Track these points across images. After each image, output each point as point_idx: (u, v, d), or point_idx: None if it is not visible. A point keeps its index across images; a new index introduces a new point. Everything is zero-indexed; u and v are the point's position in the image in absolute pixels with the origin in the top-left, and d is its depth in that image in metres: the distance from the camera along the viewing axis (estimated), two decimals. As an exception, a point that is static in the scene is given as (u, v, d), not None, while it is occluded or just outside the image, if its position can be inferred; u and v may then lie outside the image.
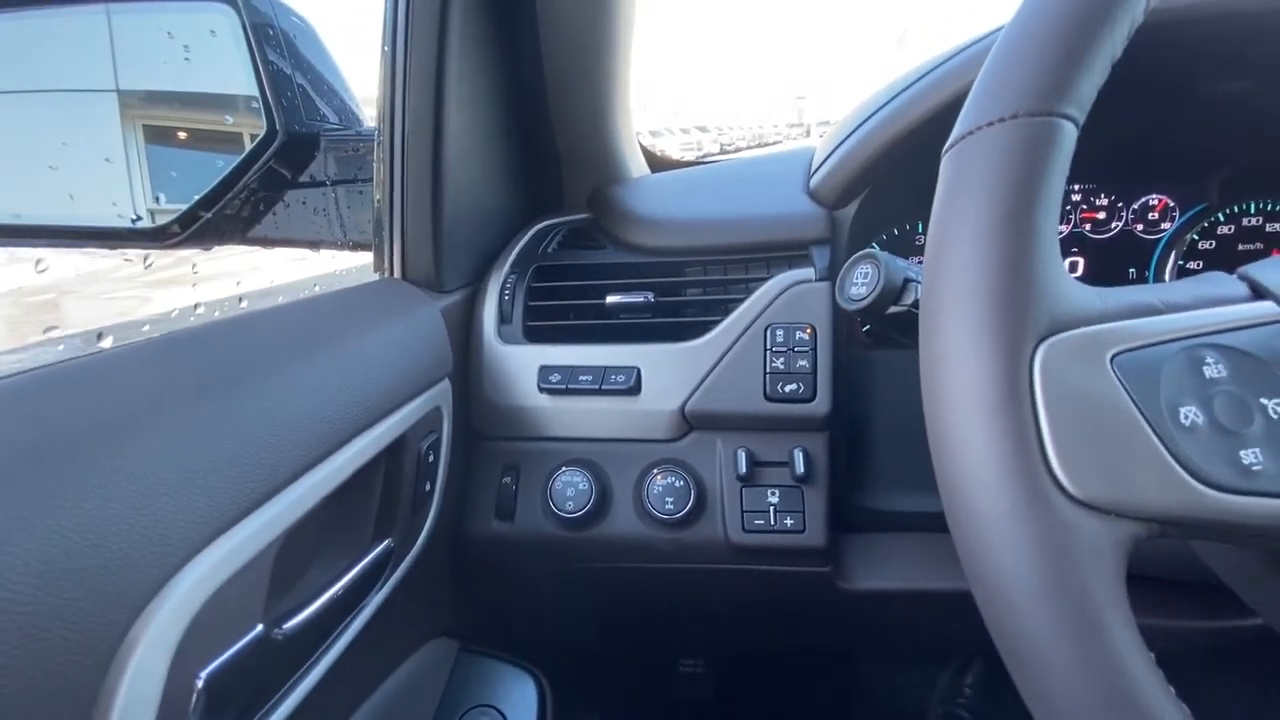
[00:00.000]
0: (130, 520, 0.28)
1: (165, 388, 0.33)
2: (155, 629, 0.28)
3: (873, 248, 0.41)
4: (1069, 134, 0.28)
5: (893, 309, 0.39)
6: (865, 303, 0.40)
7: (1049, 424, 0.25)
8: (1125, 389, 0.26)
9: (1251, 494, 0.25)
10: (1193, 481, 0.25)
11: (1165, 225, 0.69)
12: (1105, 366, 0.26)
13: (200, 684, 0.31)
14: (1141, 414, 0.26)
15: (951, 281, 0.27)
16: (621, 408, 0.62)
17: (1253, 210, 0.68)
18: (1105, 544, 0.25)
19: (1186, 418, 0.26)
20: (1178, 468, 0.25)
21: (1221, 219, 0.68)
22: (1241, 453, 0.25)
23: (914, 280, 0.39)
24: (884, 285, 0.39)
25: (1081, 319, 0.27)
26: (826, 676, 1.06)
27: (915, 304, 0.39)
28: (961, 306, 0.27)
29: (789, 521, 0.58)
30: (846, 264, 0.42)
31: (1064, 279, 0.28)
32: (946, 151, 0.31)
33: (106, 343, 0.37)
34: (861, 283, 0.40)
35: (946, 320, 0.27)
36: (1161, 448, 0.25)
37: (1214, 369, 0.26)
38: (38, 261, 0.57)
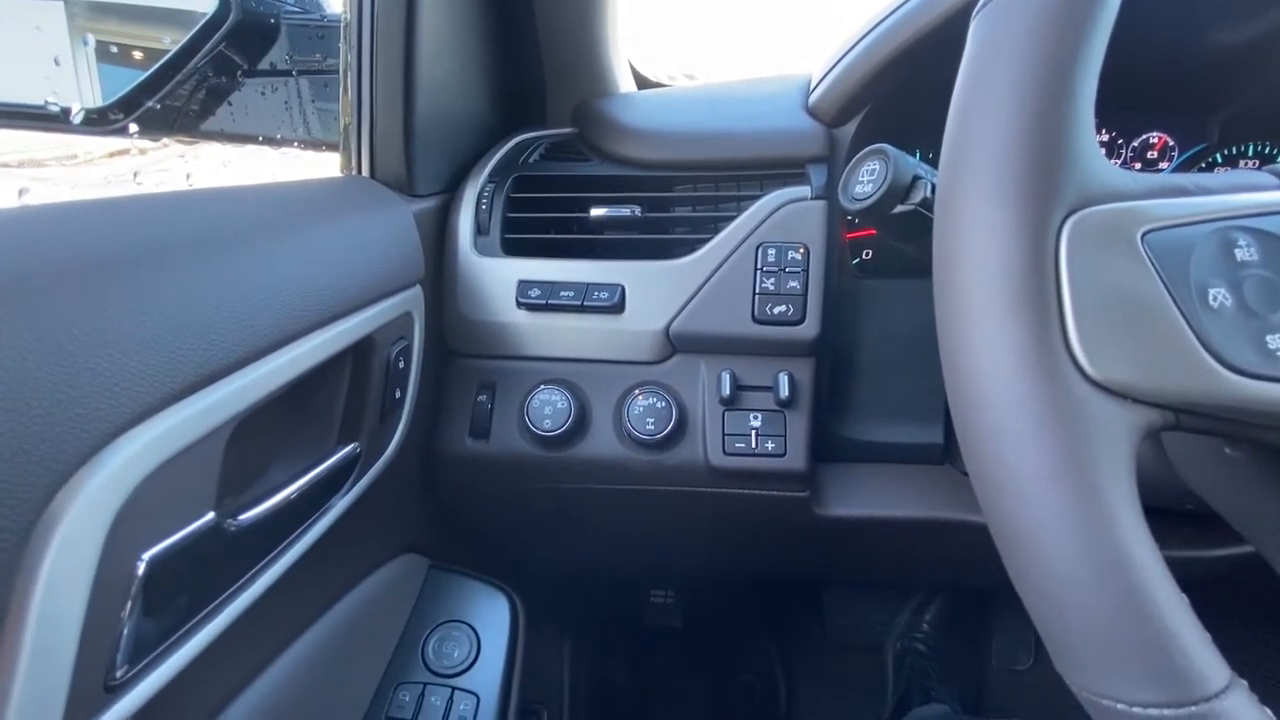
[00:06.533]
0: (59, 380, 0.25)
1: (110, 244, 0.30)
2: (86, 500, 0.25)
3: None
4: None
5: (899, 208, 0.37)
6: (871, 200, 0.37)
7: (1072, 301, 0.24)
8: (1155, 268, 0.24)
9: (1274, 380, 0.24)
10: (1216, 365, 0.24)
11: (1163, 165, 0.68)
12: (1136, 244, 0.25)
13: (142, 567, 0.28)
14: (1169, 294, 0.24)
15: (977, 147, 0.25)
16: (604, 326, 0.59)
17: (1250, 153, 0.67)
18: (1120, 430, 0.24)
19: (1215, 299, 0.24)
20: (1202, 350, 0.24)
21: (1219, 160, 0.67)
22: (1268, 337, 0.24)
23: (923, 178, 0.37)
24: (892, 181, 0.36)
25: (1113, 194, 0.25)
26: (791, 611, 1.08)
27: (923, 203, 0.37)
28: (987, 174, 0.25)
29: (770, 445, 0.57)
30: (853, 161, 0.39)
31: (1097, 152, 0.26)
32: (977, 13, 0.28)
33: (28, 199, 0.33)
34: (868, 179, 0.38)
35: (969, 189, 0.25)
36: (1187, 329, 0.24)
37: (1245, 251, 0.25)
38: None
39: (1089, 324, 0.24)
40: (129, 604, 0.28)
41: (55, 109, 0.51)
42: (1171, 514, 0.53)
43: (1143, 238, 0.25)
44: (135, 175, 0.57)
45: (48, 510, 0.24)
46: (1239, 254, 0.25)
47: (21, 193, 0.34)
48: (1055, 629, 0.24)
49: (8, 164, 0.66)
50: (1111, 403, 0.24)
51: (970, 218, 0.25)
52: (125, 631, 0.28)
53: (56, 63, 0.53)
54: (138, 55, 0.63)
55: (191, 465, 0.30)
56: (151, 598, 0.29)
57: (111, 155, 0.68)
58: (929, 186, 0.37)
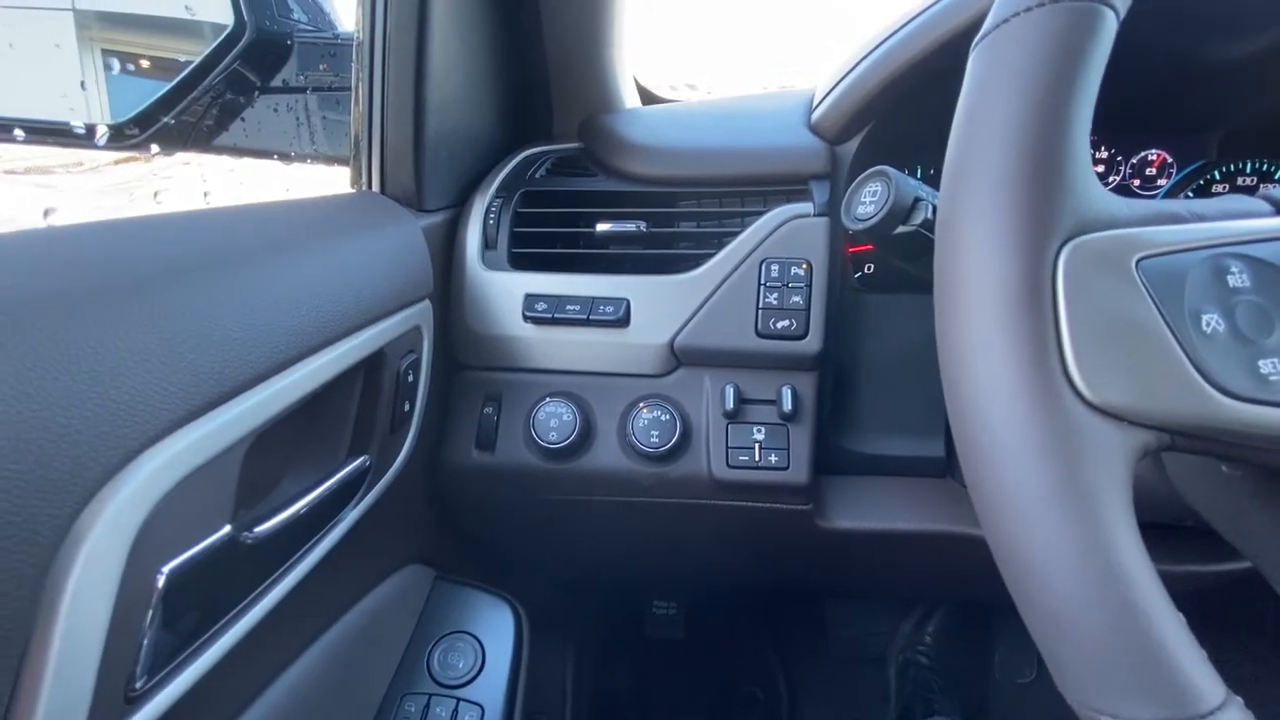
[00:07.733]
0: (85, 398, 0.26)
1: (130, 264, 0.31)
2: (110, 516, 0.26)
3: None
4: (1110, 23, 0.26)
5: (900, 229, 0.38)
6: (873, 221, 0.38)
7: (1069, 326, 0.25)
8: (1149, 294, 0.25)
9: (1266, 404, 0.24)
10: (1209, 389, 0.24)
11: (1161, 181, 0.69)
12: (1130, 270, 0.25)
13: (162, 580, 0.29)
14: (1164, 319, 0.25)
15: (976, 177, 0.26)
16: (609, 340, 0.60)
17: (1248, 169, 0.68)
18: (1117, 452, 0.24)
19: (1208, 325, 0.25)
20: (1196, 375, 0.25)
21: (1217, 177, 0.68)
22: (1260, 362, 0.25)
23: (924, 199, 0.38)
24: (894, 202, 0.37)
25: (1108, 221, 0.26)
26: (794, 622, 1.08)
27: (924, 224, 0.37)
28: (986, 201, 0.25)
29: (773, 458, 0.58)
30: (855, 182, 0.40)
31: (1093, 180, 0.26)
32: (976, 45, 0.29)
33: (54, 219, 0.34)
34: (870, 200, 0.39)
35: (968, 216, 0.26)
36: (1181, 354, 0.25)
37: (1238, 278, 0.26)
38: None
39: (1086, 349, 0.24)
40: (149, 617, 0.29)
41: (80, 130, 0.52)
42: (1172, 530, 0.53)
43: (1137, 264, 0.25)
44: (153, 173, 0.58)
45: (73, 528, 0.25)
46: (1231, 280, 0.26)
47: (48, 213, 0.35)
48: (1054, 646, 0.25)
49: (14, 170, 0.67)
50: (1108, 425, 0.24)
51: (970, 246, 0.26)
52: (145, 643, 0.29)
53: (83, 87, 0.54)
54: (146, 63, 0.64)
55: (210, 480, 0.31)
56: (170, 610, 0.30)
57: (117, 163, 0.70)
58: (930, 208, 0.37)
